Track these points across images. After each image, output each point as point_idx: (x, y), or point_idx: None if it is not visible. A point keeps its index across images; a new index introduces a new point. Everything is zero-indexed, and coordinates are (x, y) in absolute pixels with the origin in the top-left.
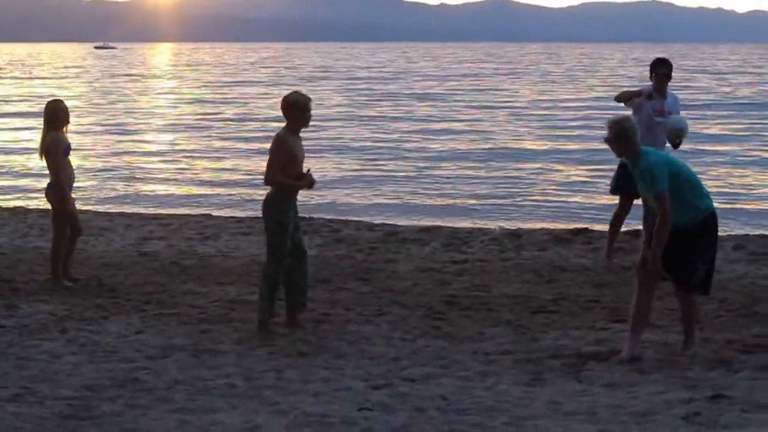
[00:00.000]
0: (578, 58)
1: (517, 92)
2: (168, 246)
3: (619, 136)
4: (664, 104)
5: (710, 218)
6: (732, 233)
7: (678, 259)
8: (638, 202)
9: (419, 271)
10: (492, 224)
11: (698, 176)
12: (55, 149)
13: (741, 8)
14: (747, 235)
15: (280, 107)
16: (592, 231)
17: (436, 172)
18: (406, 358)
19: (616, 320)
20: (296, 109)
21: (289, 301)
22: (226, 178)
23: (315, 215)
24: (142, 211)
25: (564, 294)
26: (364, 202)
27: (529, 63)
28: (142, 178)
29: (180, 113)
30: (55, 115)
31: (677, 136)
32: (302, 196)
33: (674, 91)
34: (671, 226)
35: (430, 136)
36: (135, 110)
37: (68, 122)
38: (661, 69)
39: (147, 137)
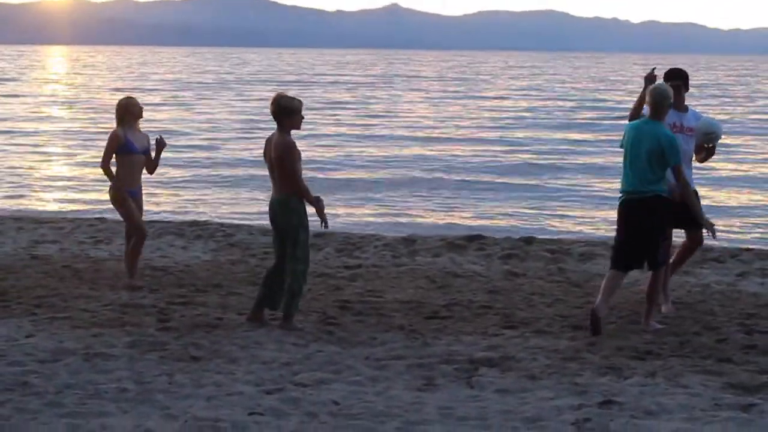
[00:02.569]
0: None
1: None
2: (60, 249)
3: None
4: (683, 119)
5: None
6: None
7: None
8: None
9: (313, 276)
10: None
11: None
12: (108, 146)
13: (635, 18)
14: None
15: (271, 111)
16: (485, 238)
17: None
18: (298, 363)
19: (508, 326)
20: (292, 112)
21: (265, 297)
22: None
23: (209, 219)
24: (34, 214)
25: (457, 300)
26: (258, 208)
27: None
28: (34, 181)
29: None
30: (119, 111)
31: (708, 140)
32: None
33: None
34: None
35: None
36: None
37: (135, 118)
38: (674, 81)
39: (30, 140)
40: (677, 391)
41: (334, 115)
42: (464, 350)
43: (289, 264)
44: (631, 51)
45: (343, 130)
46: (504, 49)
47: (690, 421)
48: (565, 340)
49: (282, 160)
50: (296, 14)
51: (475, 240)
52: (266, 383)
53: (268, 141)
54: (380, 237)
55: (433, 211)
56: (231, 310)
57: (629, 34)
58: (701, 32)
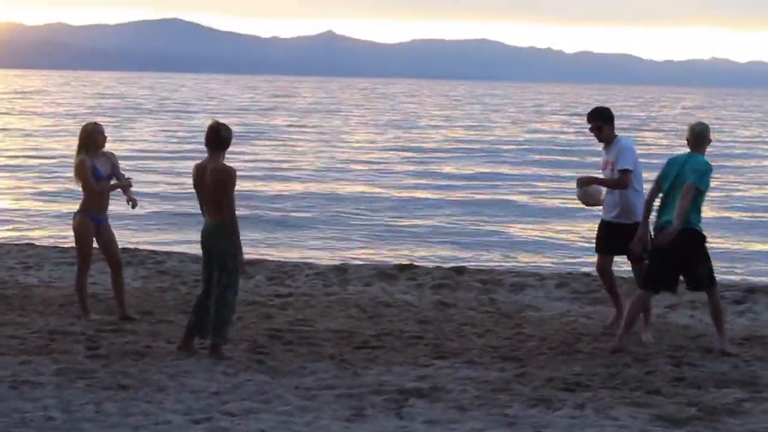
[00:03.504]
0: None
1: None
2: None
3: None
4: (610, 156)
5: None
6: (555, 271)
7: None
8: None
9: (243, 305)
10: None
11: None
12: (82, 172)
13: (569, 49)
14: (570, 273)
15: (207, 137)
16: (416, 267)
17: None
18: (227, 392)
19: (438, 356)
20: (228, 142)
21: (194, 325)
22: (48, 208)
23: (140, 247)
24: None
25: (388, 330)
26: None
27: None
28: None
29: None
30: (83, 136)
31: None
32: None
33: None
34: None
35: None
36: None
37: (99, 146)
38: (592, 122)
39: None
40: (606, 423)
41: (265, 144)
42: (394, 380)
43: (216, 291)
44: (566, 81)
45: (268, 158)
46: (438, 78)
47: None
48: (495, 371)
49: (223, 184)
50: (233, 40)
51: (406, 269)
52: (194, 412)
53: (201, 168)
54: (312, 265)
55: (365, 241)
56: (160, 338)
57: (563, 64)
58: (636, 63)
